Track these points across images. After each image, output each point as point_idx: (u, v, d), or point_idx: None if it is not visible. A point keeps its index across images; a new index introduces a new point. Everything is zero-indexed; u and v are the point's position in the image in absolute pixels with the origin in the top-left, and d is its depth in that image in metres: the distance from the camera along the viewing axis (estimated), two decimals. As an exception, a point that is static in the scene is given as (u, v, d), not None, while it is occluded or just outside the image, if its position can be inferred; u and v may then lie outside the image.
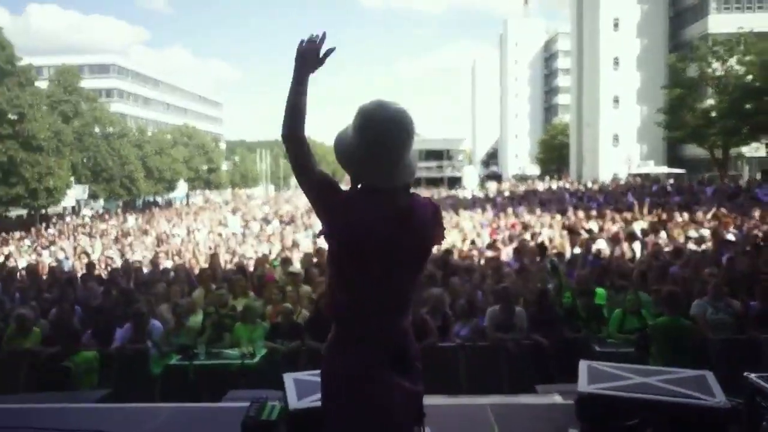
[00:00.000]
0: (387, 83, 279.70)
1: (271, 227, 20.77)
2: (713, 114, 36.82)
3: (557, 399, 4.01)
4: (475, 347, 6.78)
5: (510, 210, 19.52)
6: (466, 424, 3.63)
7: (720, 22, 46.43)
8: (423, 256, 2.09)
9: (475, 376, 6.49)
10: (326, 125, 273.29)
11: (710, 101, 38.79)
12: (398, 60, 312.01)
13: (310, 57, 2.14)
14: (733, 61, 35.97)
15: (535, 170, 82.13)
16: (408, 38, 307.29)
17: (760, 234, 11.59)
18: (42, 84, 40.12)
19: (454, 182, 60.67)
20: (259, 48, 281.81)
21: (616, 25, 56.23)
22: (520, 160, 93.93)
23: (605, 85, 56.79)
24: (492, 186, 51.85)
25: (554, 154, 74.41)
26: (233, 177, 75.65)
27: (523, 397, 4.20)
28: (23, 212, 38.55)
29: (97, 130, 46.15)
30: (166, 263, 12.73)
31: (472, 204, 26.48)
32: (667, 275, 7.95)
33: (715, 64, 37.23)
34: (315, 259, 10.40)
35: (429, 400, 3.24)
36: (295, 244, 14.25)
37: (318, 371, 3.60)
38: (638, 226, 13.40)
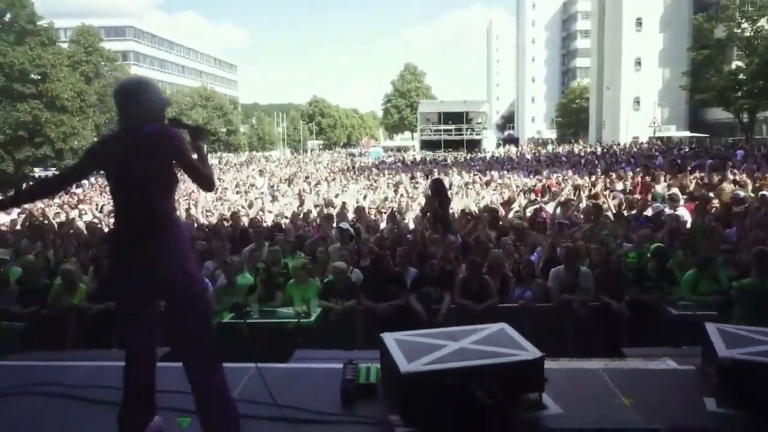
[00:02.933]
0: (400, 49, 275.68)
1: (297, 188, 20.48)
2: (741, 76, 35.74)
3: (672, 364, 3.71)
4: (539, 308, 6.49)
5: (547, 172, 19.09)
6: (584, 391, 3.33)
7: (750, -18, 44.81)
8: (158, 170, 2.87)
9: (540, 339, 6.18)
10: (344, 92, 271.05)
11: (738, 63, 37.66)
12: (411, 26, 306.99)
13: None
14: (763, 21, 34.78)
15: (551, 134, 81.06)
16: (419, 3, 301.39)
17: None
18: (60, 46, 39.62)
19: (474, 145, 59.63)
20: (269, 13, 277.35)
21: (640, -15, 54.55)
22: (537, 124, 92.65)
23: (627, 47, 55.44)
24: (512, 149, 51.23)
25: (572, 118, 73.32)
26: (251, 140, 75.15)
27: (631, 362, 3.89)
28: (45, 174, 38.51)
29: (118, 91, 45.64)
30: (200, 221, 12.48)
31: (500, 166, 26.00)
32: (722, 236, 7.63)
33: (744, 25, 36.01)
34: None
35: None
36: (329, 203, 13.98)
37: (418, 331, 3.34)
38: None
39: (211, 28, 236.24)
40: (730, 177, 13.52)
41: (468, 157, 40.57)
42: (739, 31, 36.29)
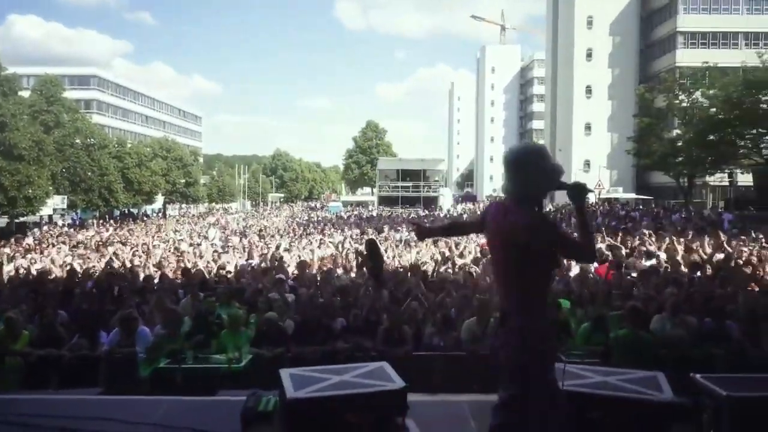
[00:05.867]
0: (366, 105, 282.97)
1: (247, 240, 21.02)
2: (679, 143, 37.95)
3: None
4: (451, 356, 7.15)
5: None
6: (444, 417, 4.00)
7: (687, 56, 48.33)
8: (523, 257, 2.79)
9: (451, 381, 6.84)
10: (305, 144, 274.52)
11: (677, 131, 40.05)
12: (379, 81, 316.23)
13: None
14: (698, 94, 37.17)
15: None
16: (389, 61, 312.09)
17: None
18: (23, 94, 40.14)
19: (431, 202, 61.29)
20: (239, 66, 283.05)
21: (589, 55, 58.11)
22: (495, 182, 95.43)
23: (578, 112, 58.47)
24: (466, 207, 52.77)
25: (528, 178, 75.64)
26: (210, 191, 75.30)
27: (492, 396, 4.57)
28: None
29: (77, 141, 46.18)
30: (148, 272, 12.90)
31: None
32: (631, 294, 8.46)
33: (682, 96, 38.51)
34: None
35: (411, 397, 3.64)
36: (274, 258, 14.55)
37: (311, 367, 3.98)
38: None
39: (179, 79, 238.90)
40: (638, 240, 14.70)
41: (422, 213, 41.74)
42: (677, 101, 38.78)
